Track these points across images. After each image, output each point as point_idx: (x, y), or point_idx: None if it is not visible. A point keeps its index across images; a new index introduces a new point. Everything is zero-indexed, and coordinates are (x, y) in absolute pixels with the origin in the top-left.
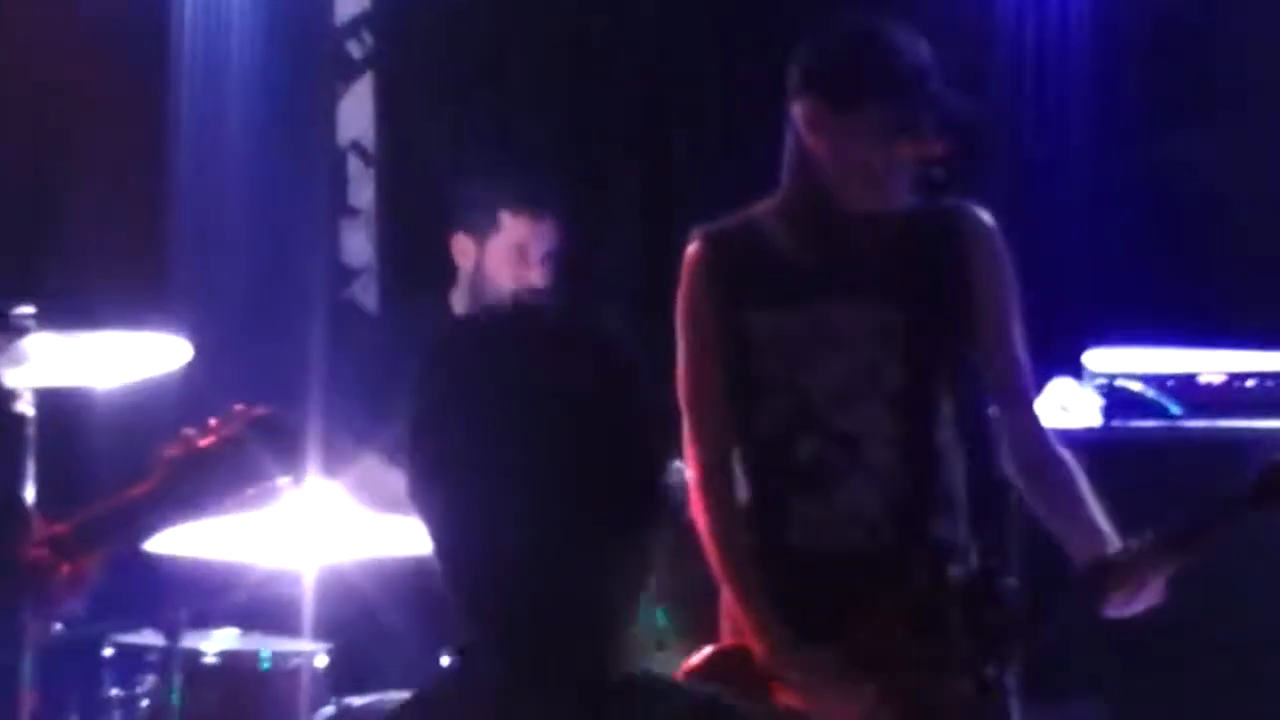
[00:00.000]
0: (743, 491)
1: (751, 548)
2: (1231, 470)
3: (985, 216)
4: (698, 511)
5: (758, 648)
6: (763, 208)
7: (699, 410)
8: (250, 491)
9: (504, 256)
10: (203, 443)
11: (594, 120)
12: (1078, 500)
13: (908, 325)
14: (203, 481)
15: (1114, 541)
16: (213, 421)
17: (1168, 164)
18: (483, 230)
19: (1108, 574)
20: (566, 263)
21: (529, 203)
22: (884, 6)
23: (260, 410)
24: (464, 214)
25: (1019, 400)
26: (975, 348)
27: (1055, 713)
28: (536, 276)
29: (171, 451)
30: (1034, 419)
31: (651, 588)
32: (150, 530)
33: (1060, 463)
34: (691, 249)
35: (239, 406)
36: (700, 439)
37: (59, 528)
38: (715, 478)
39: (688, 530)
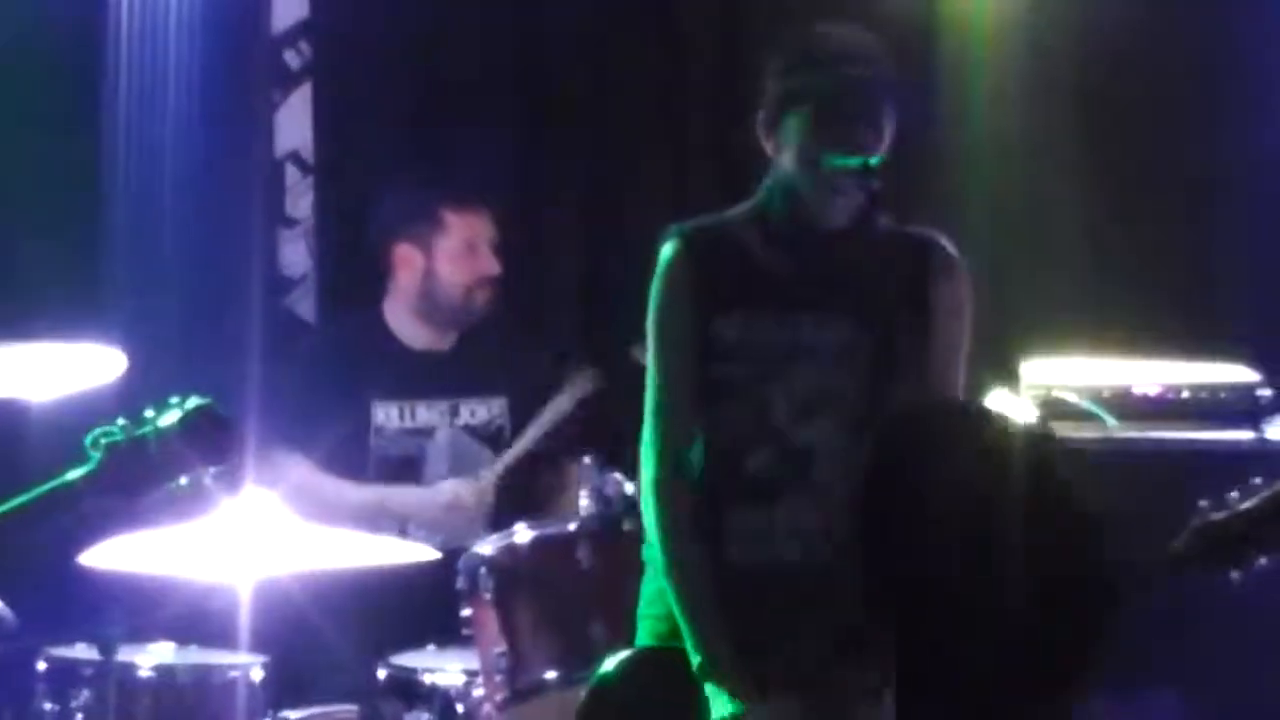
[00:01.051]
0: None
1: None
2: (1167, 481)
3: (955, 252)
4: (648, 515)
5: (694, 658)
6: (740, 212)
7: (663, 412)
8: (184, 480)
9: (455, 254)
10: (141, 430)
11: (536, 125)
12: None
13: (871, 347)
14: (142, 469)
15: None
16: (149, 411)
17: (1104, 173)
18: (427, 235)
19: None
20: (511, 257)
21: (469, 198)
22: (832, 14)
23: (195, 401)
24: (404, 223)
25: None
26: (919, 380)
27: (1130, 704)
28: (490, 266)
29: (109, 438)
30: None
31: None
32: (85, 521)
33: None
34: (667, 249)
35: (174, 398)
36: (661, 441)
37: None
38: (671, 482)
39: (626, 545)
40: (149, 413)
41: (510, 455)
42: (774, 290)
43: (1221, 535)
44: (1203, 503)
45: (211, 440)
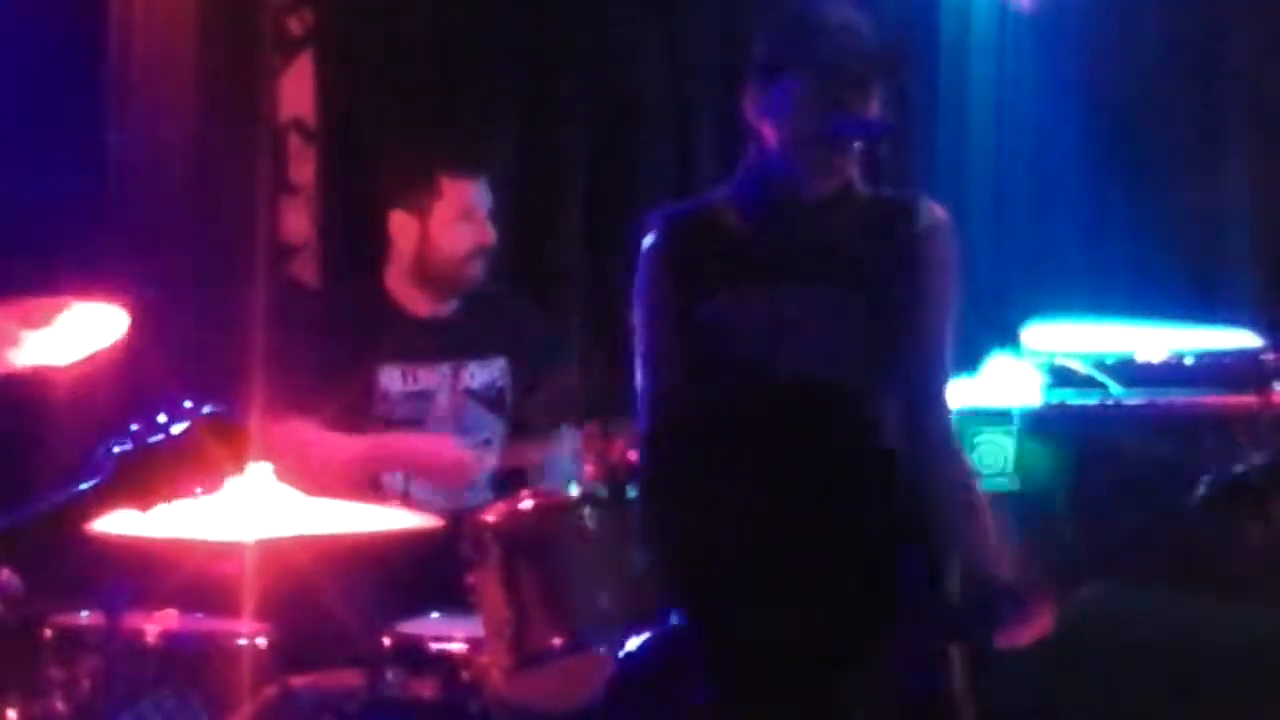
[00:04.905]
0: (690, 476)
1: (698, 535)
2: (1171, 448)
3: (941, 213)
4: (641, 493)
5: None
6: (720, 193)
7: (653, 395)
8: (198, 489)
9: (450, 223)
10: (154, 440)
11: (538, 93)
12: (972, 509)
13: (862, 311)
14: (152, 480)
15: (1003, 555)
16: (162, 419)
17: (1107, 138)
18: (424, 202)
19: (1033, 592)
20: (514, 230)
21: (466, 164)
22: None
23: (210, 409)
24: (401, 190)
25: (931, 402)
26: (910, 342)
27: None
28: (485, 235)
29: (120, 449)
30: (942, 424)
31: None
32: (88, 526)
33: (963, 471)
34: (648, 236)
35: (188, 404)
36: (653, 422)
37: None
38: (662, 460)
39: (631, 511)
40: (161, 418)
41: (507, 459)
42: (757, 267)
43: (1241, 487)
44: (1208, 441)
45: (225, 450)
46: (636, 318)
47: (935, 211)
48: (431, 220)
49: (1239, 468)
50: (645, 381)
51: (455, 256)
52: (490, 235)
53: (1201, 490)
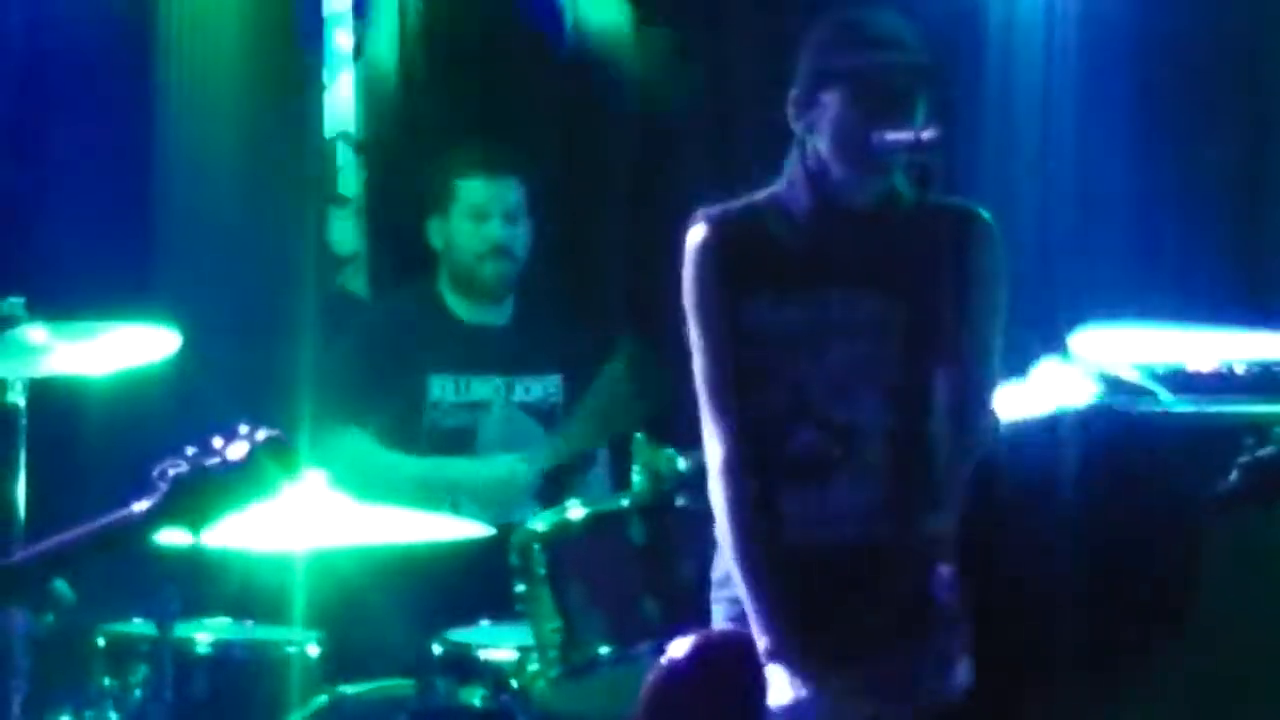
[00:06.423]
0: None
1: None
2: (1221, 455)
3: (989, 220)
4: (716, 499)
5: (760, 638)
6: (766, 194)
7: (719, 397)
8: (253, 509)
9: (464, 222)
10: (209, 463)
11: (581, 98)
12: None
13: (905, 318)
14: (208, 502)
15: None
16: (218, 441)
17: (1154, 143)
18: (445, 204)
19: None
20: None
21: (480, 165)
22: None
23: (267, 432)
24: (429, 197)
25: (979, 409)
26: (957, 349)
27: None
28: (500, 236)
29: (176, 470)
30: (990, 430)
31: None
32: (145, 545)
33: (1007, 476)
34: (695, 232)
35: (245, 427)
36: (725, 421)
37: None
38: (738, 465)
39: (679, 521)
40: (217, 442)
41: (563, 448)
42: (800, 270)
43: (1272, 468)
44: (1249, 439)
45: (278, 472)
46: (690, 314)
47: (981, 218)
48: (452, 222)
49: (1267, 451)
50: (721, 406)
51: (469, 256)
52: (503, 233)
53: (1234, 476)
